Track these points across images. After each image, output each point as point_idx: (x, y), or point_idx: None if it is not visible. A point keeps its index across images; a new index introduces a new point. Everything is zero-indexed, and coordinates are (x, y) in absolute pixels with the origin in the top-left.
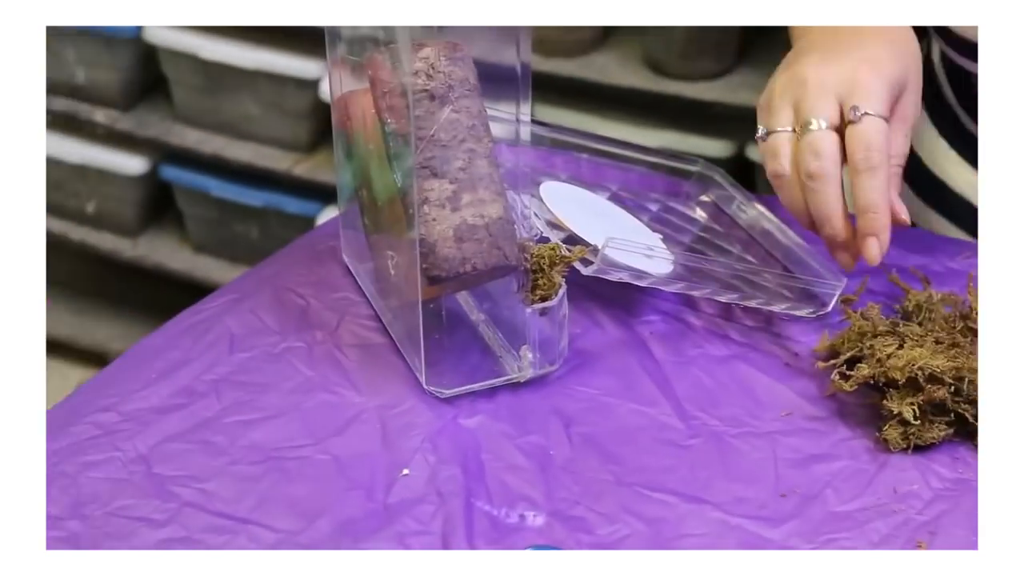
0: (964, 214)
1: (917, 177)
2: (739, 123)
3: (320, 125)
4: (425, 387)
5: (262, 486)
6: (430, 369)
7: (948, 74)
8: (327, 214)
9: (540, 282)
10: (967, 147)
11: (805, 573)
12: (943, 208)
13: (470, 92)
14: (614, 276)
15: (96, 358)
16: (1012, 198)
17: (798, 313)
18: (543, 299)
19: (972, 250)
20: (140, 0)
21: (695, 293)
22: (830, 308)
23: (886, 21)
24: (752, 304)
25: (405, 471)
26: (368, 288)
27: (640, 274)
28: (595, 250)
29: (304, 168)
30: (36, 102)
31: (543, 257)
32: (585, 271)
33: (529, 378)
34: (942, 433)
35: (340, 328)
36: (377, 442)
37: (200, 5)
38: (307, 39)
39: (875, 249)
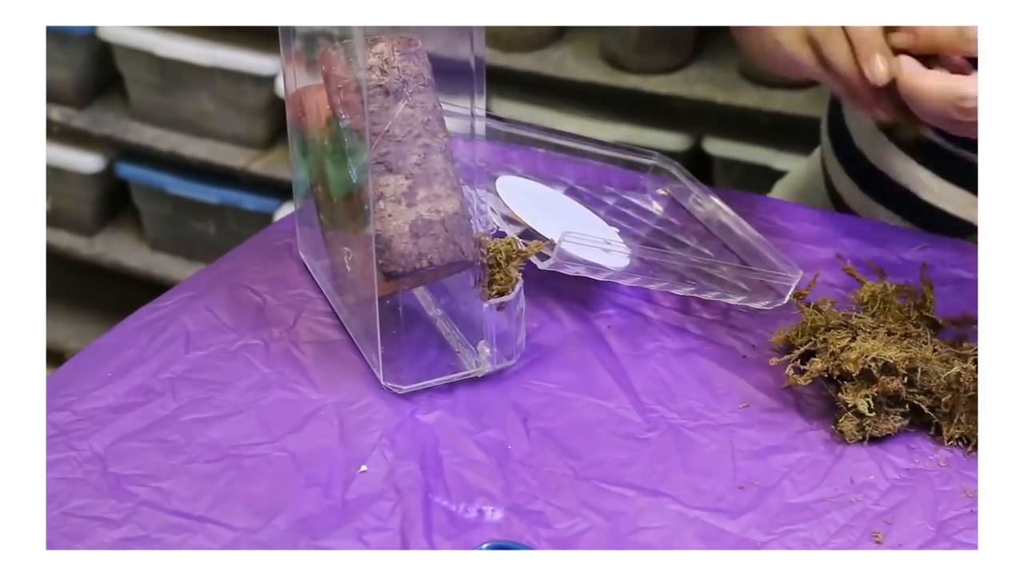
0: (905, 203)
1: (861, 171)
2: (696, 117)
3: (277, 121)
4: (382, 383)
5: (219, 484)
6: (387, 365)
7: None
8: (284, 211)
9: (497, 277)
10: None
11: (805, 571)
12: (885, 199)
13: (425, 87)
14: (571, 270)
15: (53, 357)
16: (1012, 199)
17: (755, 305)
18: (500, 294)
19: (927, 241)
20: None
21: (652, 287)
22: (786, 300)
23: (883, 21)
24: (709, 297)
25: (363, 467)
26: (324, 284)
27: (597, 268)
28: (552, 244)
29: (261, 165)
30: (36, 102)
31: (499, 252)
32: (542, 265)
33: (487, 373)
34: (897, 424)
35: (297, 325)
36: (335, 439)
37: (201, 5)
38: (263, 35)
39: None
